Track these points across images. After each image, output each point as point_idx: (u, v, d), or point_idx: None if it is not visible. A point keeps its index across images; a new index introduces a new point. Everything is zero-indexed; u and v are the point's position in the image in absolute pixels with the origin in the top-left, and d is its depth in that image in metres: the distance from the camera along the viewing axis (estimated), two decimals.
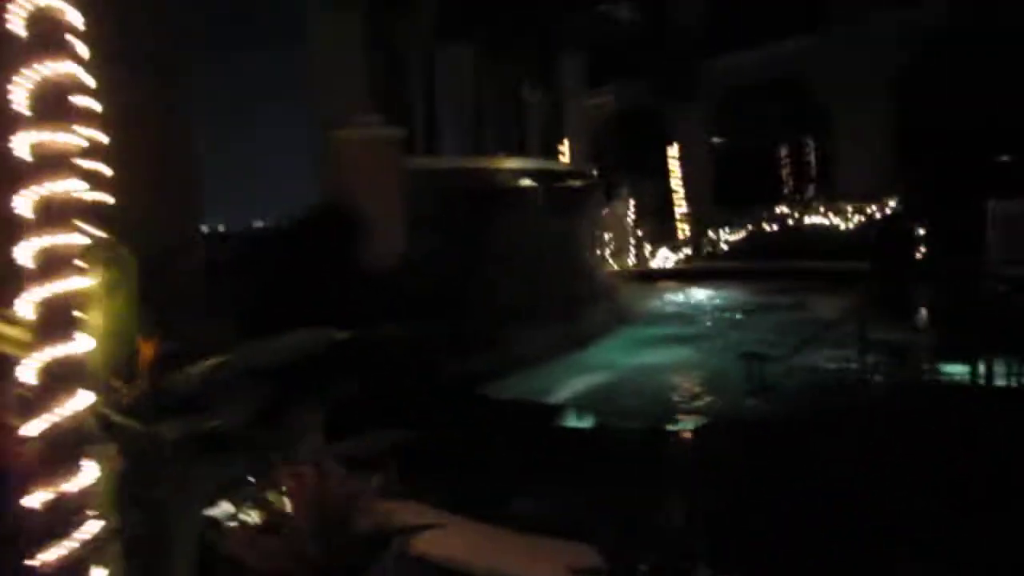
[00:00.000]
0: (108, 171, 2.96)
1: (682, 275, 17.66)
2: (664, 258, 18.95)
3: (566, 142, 19.85)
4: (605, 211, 16.34)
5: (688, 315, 12.55)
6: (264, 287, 7.16)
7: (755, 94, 20.36)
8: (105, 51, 2.64)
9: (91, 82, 2.44)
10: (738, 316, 12.13)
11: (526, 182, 9.48)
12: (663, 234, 19.79)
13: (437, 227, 8.56)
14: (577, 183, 10.77)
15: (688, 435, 6.65)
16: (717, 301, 14.04)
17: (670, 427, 6.84)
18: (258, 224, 10.69)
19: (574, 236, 10.83)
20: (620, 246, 19.26)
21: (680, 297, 14.81)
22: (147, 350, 2.89)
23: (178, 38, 6.09)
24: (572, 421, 6.97)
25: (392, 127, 8.12)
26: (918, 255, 14.67)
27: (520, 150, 12.37)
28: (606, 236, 17.74)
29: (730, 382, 8.21)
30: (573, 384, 8.29)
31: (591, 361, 9.22)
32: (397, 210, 8.10)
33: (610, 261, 18.48)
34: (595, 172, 13.29)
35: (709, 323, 11.65)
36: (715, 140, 21.87)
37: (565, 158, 19.84)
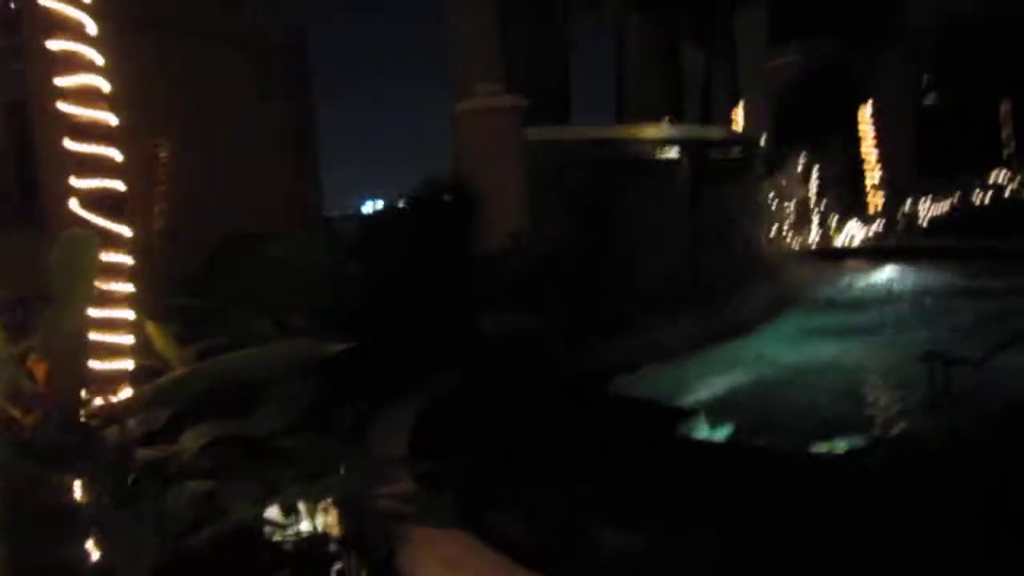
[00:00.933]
0: None
1: (869, 253, 15.67)
2: (850, 234, 16.94)
3: (739, 108, 18.29)
4: (782, 182, 14.80)
5: (869, 301, 10.92)
6: (376, 273, 6.75)
7: (973, 36, 17.56)
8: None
9: None
10: (931, 303, 10.37)
11: (668, 152, 8.46)
12: (852, 207, 17.72)
13: (563, 204, 7.79)
14: (734, 152, 9.55)
15: (839, 459, 5.49)
16: (908, 285, 12.17)
17: (819, 448, 5.69)
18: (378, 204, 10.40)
19: (729, 211, 9.63)
20: (800, 220, 17.49)
21: (863, 279, 13.03)
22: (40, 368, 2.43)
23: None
24: (699, 431, 6.01)
25: (512, 95, 7.40)
26: None
27: (678, 118, 11.25)
28: (783, 209, 16.11)
29: (908, 389, 6.85)
30: (712, 384, 7.25)
31: (740, 355, 8.09)
32: (516, 186, 7.42)
33: (786, 238, 16.82)
34: (765, 139, 11.87)
35: (893, 311, 10.03)
36: (921, 95, 19.21)
37: (738, 125, 18.26)
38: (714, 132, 9.89)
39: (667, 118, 11.16)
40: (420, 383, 5.62)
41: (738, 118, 18.15)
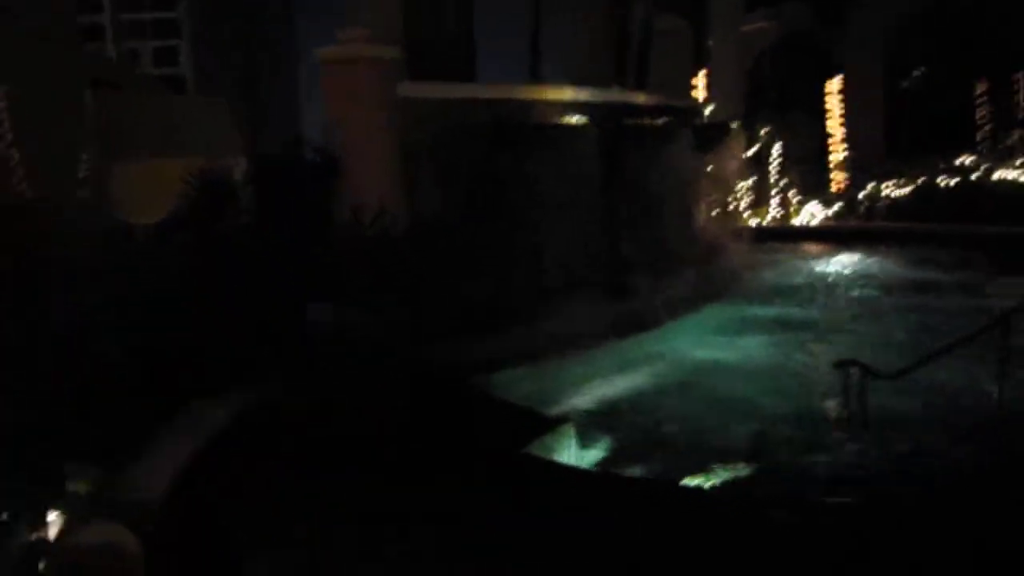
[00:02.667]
0: None
1: (824, 235, 14.76)
2: (810, 214, 16.01)
3: (700, 76, 17.21)
4: (731, 155, 13.81)
5: (810, 290, 10.00)
6: (203, 249, 5.70)
7: (948, 12, 16.50)
8: None
9: None
10: (872, 297, 9.46)
11: (577, 119, 7.41)
12: (815, 185, 16.77)
13: (445, 173, 6.76)
14: (659, 121, 8.51)
15: (717, 494, 4.57)
16: (856, 273, 11.28)
17: (696, 478, 4.77)
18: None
19: (655, 186, 8.62)
20: (759, 198, 16.55)
21: (811, 264, 12.12)
22: None
23: None
24: (563, 446, 5.05)
25: (380, 44, 6.29)
26: None
27: (618, 83, 10.15)
28: (731, 186, 15.12)
29: (819, 401, 5.95)
30: (602, 385, 6.31)
31: (645, 351, 7.14)
32: (385, 150, 6.36)
33: (736, 217, 15.86)
34: (712, 109, 10.82)
35: (832, 304, 9.14)
36: (894, 73, 18.14)
37: (697, 93, 17.18)
38: (640, 97, 8.81)
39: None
40: (217, 391, 4.60)
41: (698, 86, 17.10)
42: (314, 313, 5.19)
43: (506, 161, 6.90)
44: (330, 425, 4.67)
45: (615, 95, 8.44)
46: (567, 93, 7.76)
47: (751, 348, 7.39)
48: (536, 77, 8.54)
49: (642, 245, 8.43)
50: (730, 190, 14.67)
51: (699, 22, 18.47)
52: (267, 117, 58.80)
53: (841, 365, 5.56)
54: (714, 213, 12.30)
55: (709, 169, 10.34)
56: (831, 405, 5.83)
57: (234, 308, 4.99)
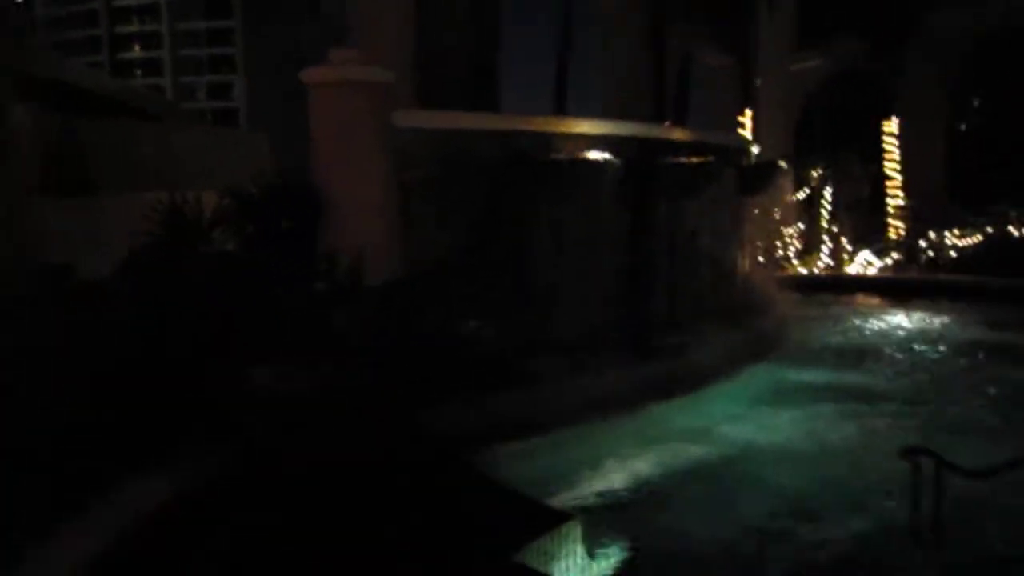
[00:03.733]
0: None
1: (881, 287, 13.56)
2: (864, 263, 14.81)
3: (747, 113, 16.29)
4: (778, 199, 12.82)
5: (871, 351, 8.86)
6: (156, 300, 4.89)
7: (1014, 47, 15.32)
8: None
9: None
10: (945, 362, 8.30)
11: (598, 154, 6.52)
12: (869, 232, 15.59)
13: (451, 213, 5.92)
14: (697, 159, 7.57)
15: None
16: (919, 332, 10.09)
17: None
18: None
19: (691, 230, 7.68)
20: (808, 246, 15.43)
21: (867, 321, 10.95)
22: None
23: None
24: (566, 552, 4.07)
25: (372, 67, 5.49)
26: None
27: (657, 118, 9.29)
28: (777, 231, 14.06)
29: (882, 500, 4.87)
30: (619, 468, 5.31)
31: (672, 425, 6.11)
32: (374, 186, 5.54)
33: (783, 264, 14.77)
34: (759, 149, 9.86)
35: (897, 370, 8.00)
36: (953, 115, 16.95)
37: (746, 132, 16.22)
38: (677, 134, 7.91)
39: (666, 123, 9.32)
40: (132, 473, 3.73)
41: (746, 125, 16.16)
42: (262, 376, 4.33)
43: (517, 200, 6.04)
44: (263, 518, 3.77)
45: (649, 130, 7.55)
46: (593, 126, 6.89)
47: (797, 424, 6.30)
48: (561, 109, 7.73)
49: (675, 297, 7.47)
50: (778, 236, 13.65)
51: (747, 59, 17.65)
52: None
53: (910, 454, 4.48)
54: (759, 262, 11.27)
55: (755, 213, 9.35)
56: (893, 506, 4.75)
57: (152, 369, 4.14)
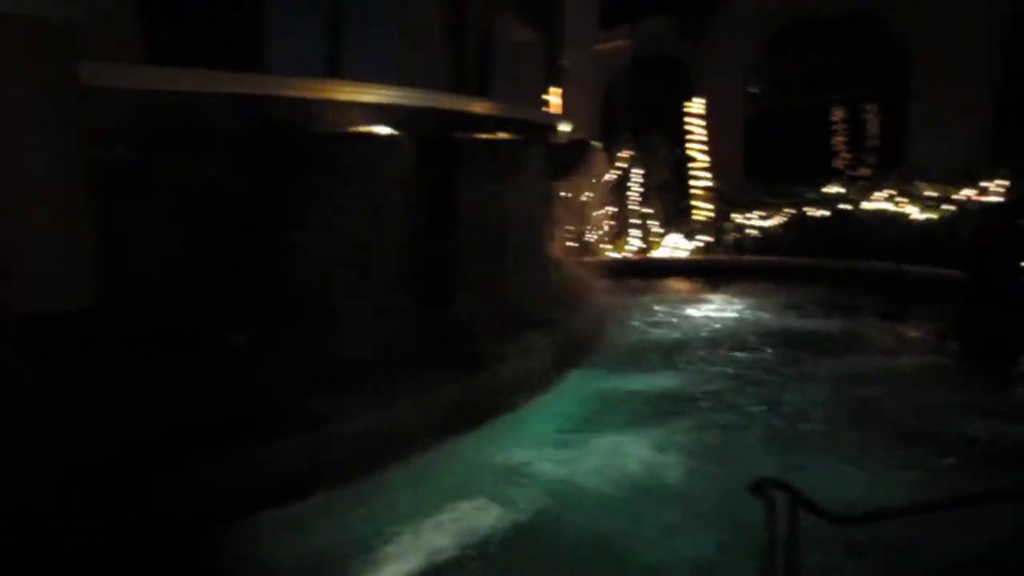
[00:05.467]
0: None
1: (691, 271, 13.34)
2: (674, 246, 14.58)
3: (553, 91, 15.53)
4: (599, 181, 12.17)
5: (684, 348, 8.23)
6: None
7: (813, 35, 15.62)
8: None
9: None
10: (768, 358, 7.80)
11: (385, 129, 5.22)
12: (677, 215, 15.42)
13: (177, 206, 4.38)
14: (505, 135, 6.46)
15: None
16: (734, 320, 9.69)
17: None
18: None
19: (500, 219, 6.58)
20: (620, 229, 15.01)
21: (682, 310, 10.45)
22: None
23: None
24: None
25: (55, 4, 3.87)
26: None
27: (477, 91, 8.08)
28: (589, 216, 13.49)
29: (731, 554, 3.99)
30: (413, 542, 4.10)
31: (479, 466, 4.99)
32: (58, 175, 3.92)
33: (594, 251, 14.26)
34: (568, 127, 8.92)
35: (715, 370, 7.36)
36: (752, 94, 17.13)
37: (554, 110, 15.47)
38: (479, 106, 6.75)
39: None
40: None
41: (551, 105, 15.39)
42: None
43: (271, 188, 4.61)
44: None
45: (447, 101, 6.32)
46: (377, 94, 5.55)
47: (622, 449, 5.35)
48: (336, 70, 6.33)
49: (484, 300, 6.34)
50: (589, 220, 13.03)
51: (553, 35, 16.93)
52: None
53: (760, 489, 3.55)
54: (571, 249, 10.47)
55: (565, 196, 8.44)
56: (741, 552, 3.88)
57: None
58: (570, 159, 7.47)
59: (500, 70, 10.68)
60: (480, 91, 8.01)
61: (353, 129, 5.11)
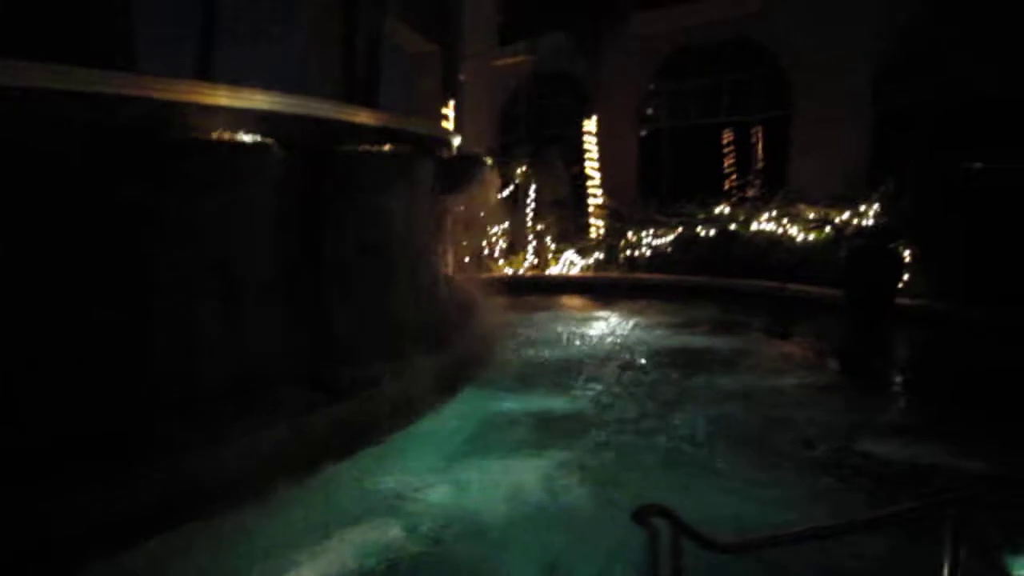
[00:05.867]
0: None
1: (585, 288, 13.40)
2: (569, 263, 14.61)
3: (451, 104, 15.38)
4: (495, 195, 12.02)
5: (577, 366, 8.14)
6: None
7: (704, 58, 16.06)
8: None
9: None
10: (654, 375, 7.78)
11: (251, 137, 4.86)
12: (574, 231, 15.47)
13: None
14: (391, 148, 6.18)
15: None
16: (626, 338, 9.69)
17: None
18: None
19: (383, 234, 6.30)
20: (514, 245, 14.93)
21: (575, 327, 10.41)
22: None
23: None
24: None
25: None
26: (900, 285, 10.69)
27: (364, 101, 7.73)
28: (492, 232, 13.36)
29: None
30: None
31: (348, 501, 4.67)
32: None
33: (496, 264, 14.15)
34: (461, 141, 8.74)
35: (613, 390, 7.28)
36: (646, 114, 17.45)
37: (449, 126, 15.29)
38: (363, 116, 6.46)
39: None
40: None
41: (449, 118, 15.22)
42: None
43: (115, 198, 4.19)
44: None
45: (330, 110, 6.00)
46: (251, 100, 5.20)
47: (512, 475, 5.14)
48: (206, 74, 5.92)
49: (365, 317, 6.03)
50: (484, 236, 12.87)
51: (451, 48, 16.79)
52: None
53: (643, 517, 3.37)
54: (465, 265, 10.25)
55: (459, 211, 8.23)
56: None
57: None
58: (461, 174, 7.27)
59: (395, 80, 10.40)
60: (369, 101, 7.70)
61: (216, 136, 4.73)
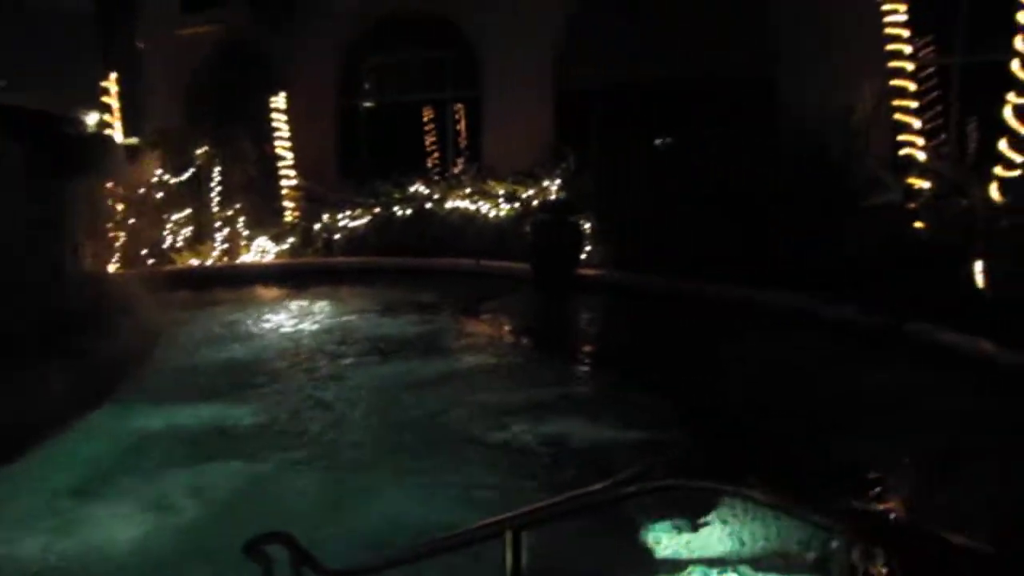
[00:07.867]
0: None
1: (278, 275, 12.66)
2: (261, 250, 13.68)
3: (113, 79, 13.69)
4: (148, 178, 10.86)
5: (252, 366, 7.44)
6: None
7: (401, 34, 15.70)
8: None
9: None
10: (339, 368, 7.35)
11: None
12: (267, 216, 14.45)
13: None
14: None
15: None
16: (313, 328, 9.16)
17: None
18: None
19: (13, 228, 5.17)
20: (200, 233, 13.68)
21: (268, 319, 9.68)
22: None
23: None
24: None
25: None
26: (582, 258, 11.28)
27: None
28: (172, 220, 12.09)
29: None
30: None
31: None
32: None
33: (179, 254, 12.89)
34: (97, 122, 7.56)
35: (279, 388, 6.71)
36: (344, 91, 16.75)
37: (111, 100, 13.56)
38: None
39: None
40: None
41: (111, 91, 13.51)
42: None
43: None
44: None
45: None
46: None
47: (155, 519, 4.35)
48: None
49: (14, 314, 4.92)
50: (160, 225, 11.62)
51: (118, 12, 14.99)
52: None
53: (257, 547, 2.82)
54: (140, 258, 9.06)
55: (94, 197, 7.13)
56: None
57: None
58: (88, 156, 6.24)
59: (25, 45, 8.89)
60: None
61: None
